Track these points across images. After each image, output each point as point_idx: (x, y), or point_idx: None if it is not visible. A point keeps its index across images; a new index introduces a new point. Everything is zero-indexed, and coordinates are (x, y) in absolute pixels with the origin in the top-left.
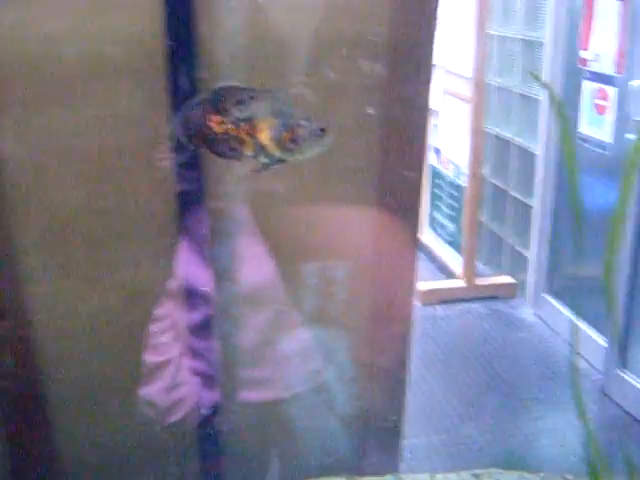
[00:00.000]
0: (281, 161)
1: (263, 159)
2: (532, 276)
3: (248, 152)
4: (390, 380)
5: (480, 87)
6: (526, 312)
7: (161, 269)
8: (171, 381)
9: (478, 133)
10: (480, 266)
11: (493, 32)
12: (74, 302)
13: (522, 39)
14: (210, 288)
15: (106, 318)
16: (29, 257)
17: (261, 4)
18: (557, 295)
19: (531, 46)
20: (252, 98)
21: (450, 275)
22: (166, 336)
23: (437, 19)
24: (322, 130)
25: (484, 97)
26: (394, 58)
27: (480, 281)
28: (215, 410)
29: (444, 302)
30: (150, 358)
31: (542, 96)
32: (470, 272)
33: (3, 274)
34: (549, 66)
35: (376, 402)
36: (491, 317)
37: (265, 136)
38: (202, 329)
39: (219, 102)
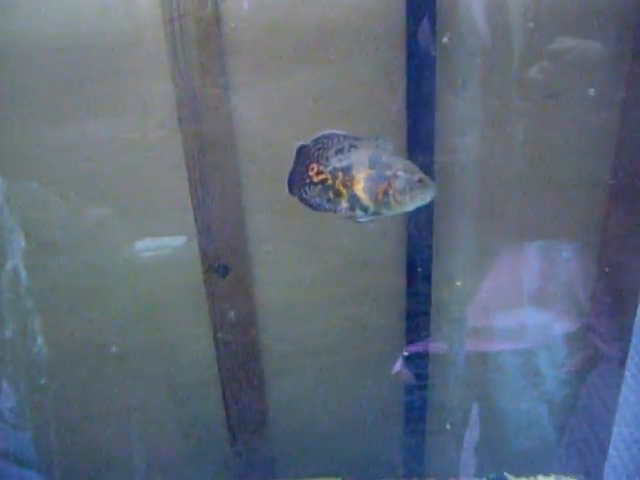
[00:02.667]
0: (377, 214)
1: (358, 212)
2: None
3: (344, 204)
4: None
5: None
6: None
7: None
8: None
9: None
10: None
11: None
12: (294, 263)
13: None
14: None
15: (324, 281)
16: (255, 218)
17: None
18: None
19: None
20: (353, 147)
21: None
22: None
23: None
24: (420, 181)
25: None
26: None
27: None
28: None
29: None
30: None
31: None
32: None
33: (232, 232)
34: None
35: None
36: None
37: (360, 187)
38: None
39: (319, 150)
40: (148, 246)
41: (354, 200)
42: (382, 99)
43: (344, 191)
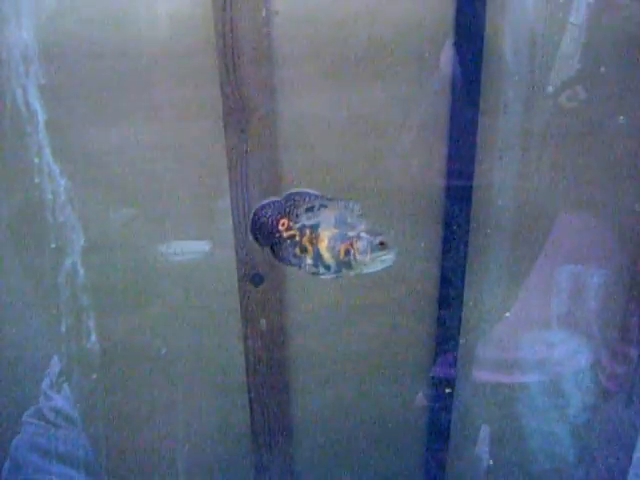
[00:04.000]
0: (338, 272)
1: (321, 269)
2: None
3: (309, 260)
4: None
5: None
6: None
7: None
8: None
9: None
10: None
11: None
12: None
13: None
14: None
15: (356, 291)
16: None
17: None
18: None
19: None
20: (323, 206)
21: None
22: None
23: None
24: (381, 244)
25: None
26: None
27: None
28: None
29: None
30: None
31: None
32: None
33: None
34: None
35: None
36: None
37: (324, 246)
38: None
39: (291, 207)
40: (187, 250)
41: (317, 257)
42: (425, 119)
43: (310, 248)
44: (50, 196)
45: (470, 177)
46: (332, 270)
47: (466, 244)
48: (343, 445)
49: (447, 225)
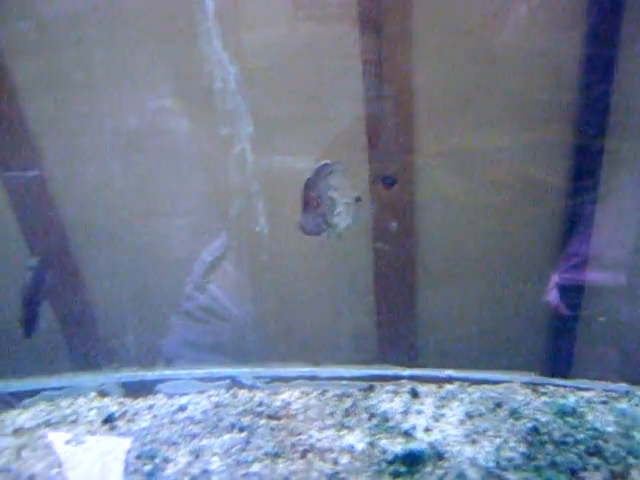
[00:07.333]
0: (337, 234)
1: (328, 230)
2: None
3: (324, 225)
4: None
5: None
6: None
7: None
8: None
9: None
10: None
11: None
12: (457, 176)
13: None
14: None
15: (485, 194)
16: (425, 132)
17: None
18: None
19: None
20: (332, 173)
21: None
22: None
23: None
24: (331, 199)
25: None
26: None
27: None
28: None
29: None
30: None
31: None
32: None
33: (401, 145)
34: None
35: None
36: None
37: (322, 209)
38: None
39: (316, 179)
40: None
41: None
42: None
43: (321, 213)
44: (220, 84)
45: (610, 82)
46: (332, 231)
47: (602, 142)
48: (469, 338)
49: (582, 123)
